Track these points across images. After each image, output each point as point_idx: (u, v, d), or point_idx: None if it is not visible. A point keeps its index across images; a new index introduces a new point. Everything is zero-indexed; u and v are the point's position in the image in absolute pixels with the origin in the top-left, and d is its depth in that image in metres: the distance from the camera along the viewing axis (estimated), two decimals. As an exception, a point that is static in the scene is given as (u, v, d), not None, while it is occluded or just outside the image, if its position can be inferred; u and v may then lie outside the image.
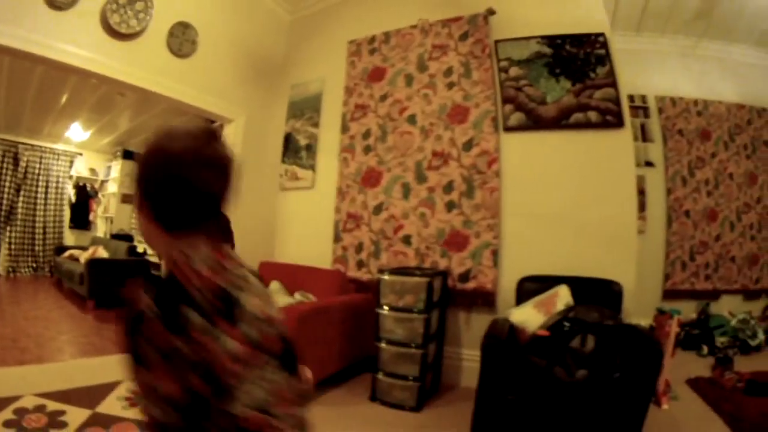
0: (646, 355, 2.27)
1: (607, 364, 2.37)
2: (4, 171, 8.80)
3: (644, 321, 3.99)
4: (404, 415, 3.05)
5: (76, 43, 3.41)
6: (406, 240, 3.90)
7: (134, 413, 2.75)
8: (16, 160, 8.89)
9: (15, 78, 5.82)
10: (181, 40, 4.14)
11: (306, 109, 4.83)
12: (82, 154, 9.83)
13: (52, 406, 2.76)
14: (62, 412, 2.69)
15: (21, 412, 2.64)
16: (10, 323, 4.92)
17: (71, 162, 9.72)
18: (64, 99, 6.70)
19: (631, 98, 5.28)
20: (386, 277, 3.25)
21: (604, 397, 2.27)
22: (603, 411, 2.26)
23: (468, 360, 3.60)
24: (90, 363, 3.82)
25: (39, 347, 4.10)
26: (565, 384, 2.36)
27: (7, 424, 2.48)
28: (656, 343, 2.39)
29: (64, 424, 2.54)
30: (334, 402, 3.22)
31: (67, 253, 8.01)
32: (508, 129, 3.70)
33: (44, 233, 9.31)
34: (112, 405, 2.89)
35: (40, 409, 2.71)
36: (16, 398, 2.81)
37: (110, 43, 3.65)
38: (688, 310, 5.14)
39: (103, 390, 3.12)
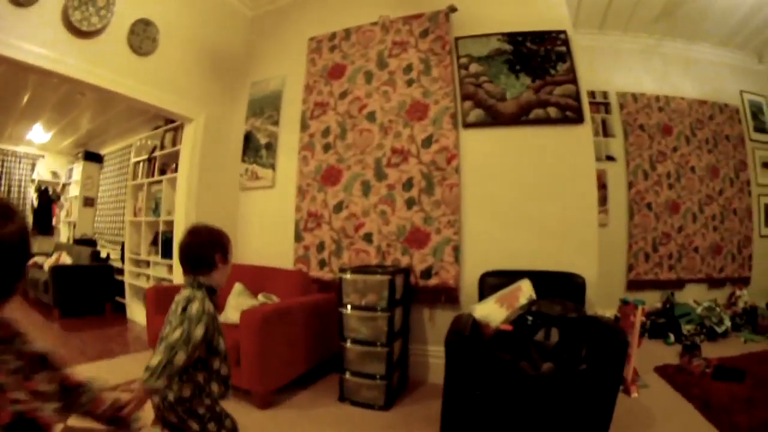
0: (610, 345, 2.30)
1: (573, 356, 2.39)
2: (-36, 174, 8.64)
3: (609, 312, 4.04)
4: (374, 414, 3.03)
5: (37, 41, 3.36)
6: (368, 238, 3.89)
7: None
8: None
9: None
10: (142, 37, 4.09)
11: (266, 107, 4.79)
12: (44, 156, 9.65)
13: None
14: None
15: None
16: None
17: (33, 165, 9.55)
18: (25, 99, 6.58)
19: (592, 94, 5.40)
20: (348, 276, 3.23)
21: (571, 389, 2.29)
22: (571, 403, 2.28)
23: (434, 356, 3.62)
24: (56, 373, 3.72)
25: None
26: (531, 377, 2.37)
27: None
28: (620, 333, 2.42)
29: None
30: (302, 404, 3.19)
31: (30, 261, 7.82)
32: (468, 125, 3.71)
33: (7, 240, 9.09)
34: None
35: (5, 418, 2.62)
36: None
37: (71, 41, 3.59)
38: (653, 299, 5.25)
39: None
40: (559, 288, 3.04)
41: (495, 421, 2.39)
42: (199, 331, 1.59)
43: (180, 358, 1.54)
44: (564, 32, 3.56)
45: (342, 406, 3.16)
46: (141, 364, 3.08)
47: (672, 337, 4.66)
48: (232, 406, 2.96)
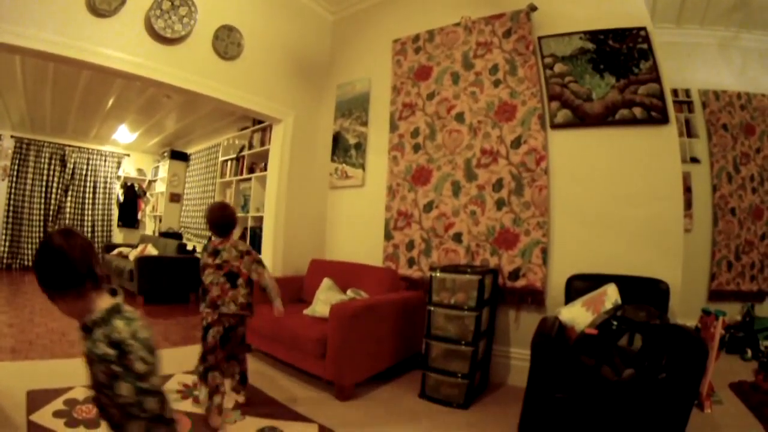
0: (691, 355, 2.22)
1: (654, 364, 2.33)
2: (51, 172, 9.16)
3: (689, 322, 3.85)
4: (452, 412, 3.03)
5: (121, 48, 3.53)
6: (457, 238, 3.90)
7: (185, 405, 2.83)
8: (63, 162, 9.26)
9: (60, 83, 6.01)
10: (227, 42, 4.24)
11: (354, 108, 4.88)
12: (129, 155, 10.16)
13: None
14: (112, 404, 2.69)
15: (71, 402, 2.69)
16: (59, 318, 4.98)
17: (119, 163, 10.07)
18: (110, 102, 6.87)
19: (675, 92, 5.15)
20: (438, 274, 3.26)
21: (649, 398, 2.24)
22: (647, 412, 2.23)
23: (516, 358, 3.60)
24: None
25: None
26: (612, 383, 2.33)
27: (58, 414, 2.52)
28: (702, 344, 2.32)
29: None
30: (382, 398, 3.21)
31: (116, 251, 8.20)
32: (555, 126, 3.64)
33: (93, 232, 9.65)
34: (164, 397, 2.90)
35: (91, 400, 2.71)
36: (66, 389, 2.86)
37: (156, 47, 3.77)
38: (734, 311, 4.96)
39: (155, 383, 3.15)
40: (643, 294, 2.94)
41: (572, 425, 2.35)
42: None
43: None
44: (644, 29, 3.42)
45: (422, 402, 3.17)
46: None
47: (749, 353, 4.40)
48: (313, 397, 3.12)
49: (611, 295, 2.86)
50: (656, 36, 3.46)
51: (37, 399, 2.68)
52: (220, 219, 2.82)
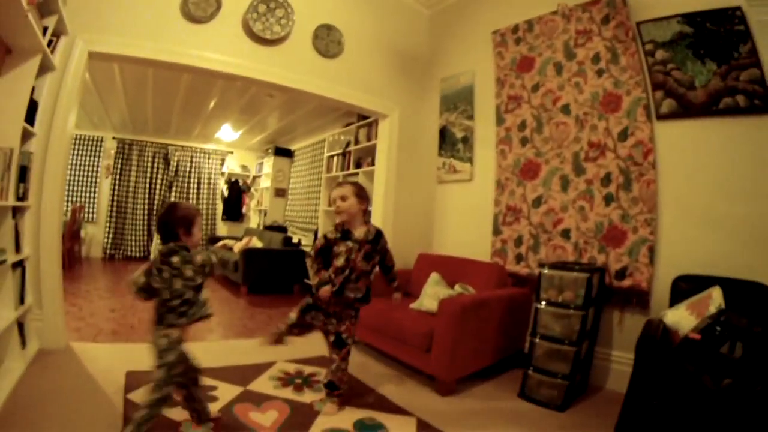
0: None
1: (753, 374, 2.18)
2: (155, 170, 9.82)
3: None
4: (548, 413, 2.99)
5: (221, 50, 3.81)
6: (565, 234, 3.86)
7: (286, 393, 2.92)
8: (166, 160, 9.90)
9: (161, 87, 6.39)
10: (327, 41, 4.43)
11: (459, 101, 4.95)
12: (232, 152, 10.68)
13: (203, 381, 2.88)
14: (213, 388, 2.84)
15: (169, 384, 2.83)
16: (160, 304, 5.31)
17: (222, 160, 10.61)
18: (212, 103, 7.21)
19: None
20: (547, 271, 3.22)
21: (744, 410, 2.10)
22: (742, 425, 2.09)
23: (617, 362, 3.47)
24: (243, 344, 4.07)
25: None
26: (711, 392, 2.20)
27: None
28: None
29: (214, 399, 2.68)
30: (481, 395, 3.24)
31: (220, 243, 8.62)
32: (661, 117, 3.48)
33: (197, 225, 10.07)
34: (263, 384, 3.05)
35: (189, 384, 2.89)
36: (165, 373, 3.02)
37: (257, 48, 4.02)
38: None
39: (255, 370, 3.31)
40: (747, 298, 2.76)
41: (668, 433, 2.30)
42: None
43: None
44: (739, 8, 3.16)
45: (519, 402, 3.16)
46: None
47: None
48: (413, 390, 3.20)
49: (716, 298, 2.73)
50: (752, 15, 3.17)
51: (135, 379, 2.79)
52: None
